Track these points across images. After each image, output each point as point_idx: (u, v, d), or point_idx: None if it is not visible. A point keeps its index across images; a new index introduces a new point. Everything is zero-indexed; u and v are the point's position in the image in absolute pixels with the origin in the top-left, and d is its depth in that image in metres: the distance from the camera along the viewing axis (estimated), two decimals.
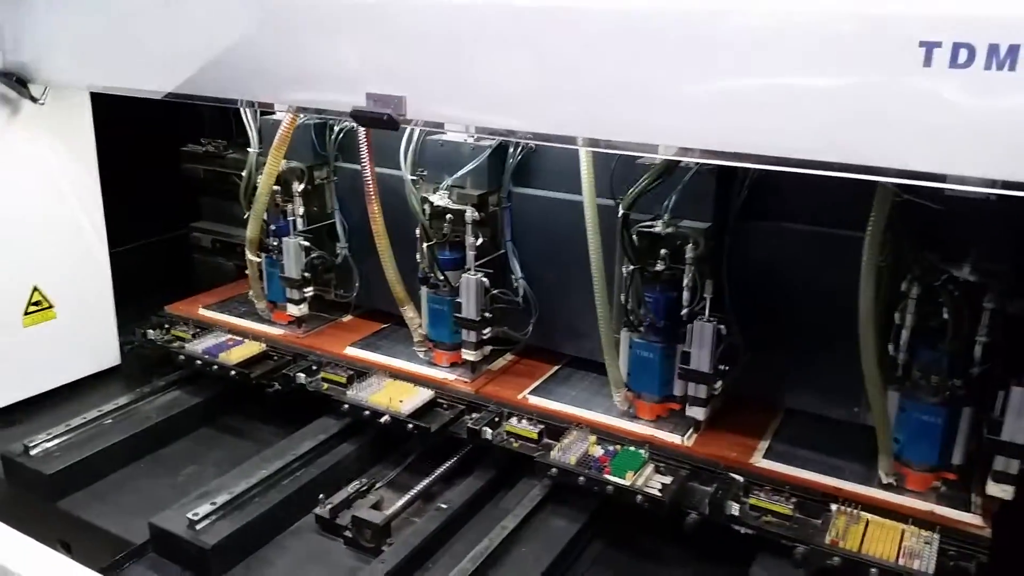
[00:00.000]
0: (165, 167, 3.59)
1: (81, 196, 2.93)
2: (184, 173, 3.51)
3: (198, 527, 2.11)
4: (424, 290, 2.61)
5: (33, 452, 2.47)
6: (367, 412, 2.45)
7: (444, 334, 2.59)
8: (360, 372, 2.64)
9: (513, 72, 1.78)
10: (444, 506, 2.23)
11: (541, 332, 2.63)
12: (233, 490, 2.22)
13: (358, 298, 3.00)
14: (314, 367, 2.69)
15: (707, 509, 2.00)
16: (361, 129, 2.50)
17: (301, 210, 2.83)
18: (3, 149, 2.67)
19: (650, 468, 2.13)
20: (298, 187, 2.80)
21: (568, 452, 2.19)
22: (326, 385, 2.60)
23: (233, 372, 2.69)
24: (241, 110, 2.77)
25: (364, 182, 2.55)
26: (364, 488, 2.33)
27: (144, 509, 2.24)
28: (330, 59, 2.02)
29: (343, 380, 2.59)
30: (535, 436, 2.30)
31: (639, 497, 2.02)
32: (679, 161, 2.02)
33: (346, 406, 2.48)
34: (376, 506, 2.26)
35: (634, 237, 2.17)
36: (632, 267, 2.19)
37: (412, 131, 2.44)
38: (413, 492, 2.29)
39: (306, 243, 2.80)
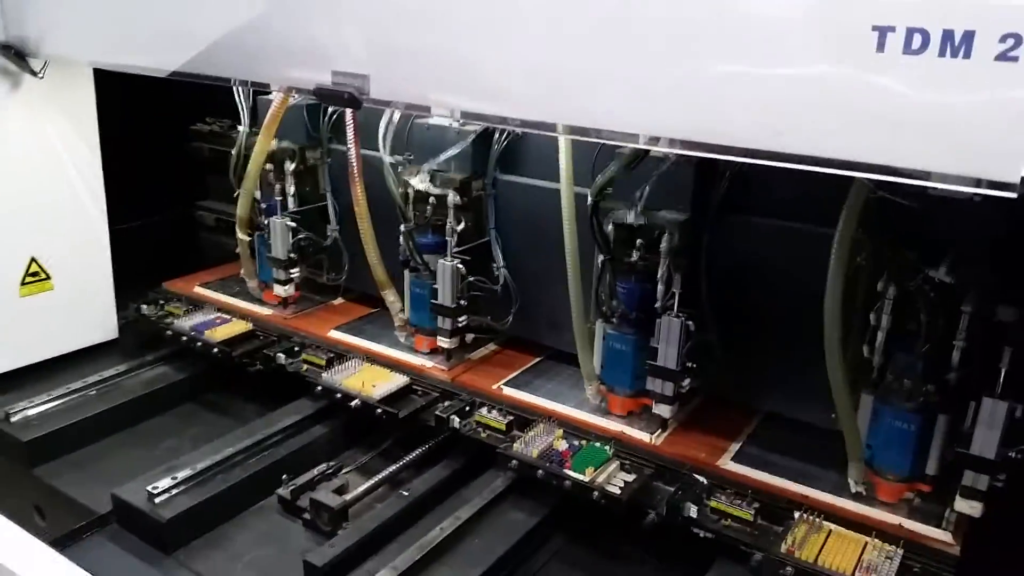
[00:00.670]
0: (175, 146, 3.62)
1: (82, 170, 2.95)
2: (191, 152, 3.52)
3: (157, 500, 2.11)
4: (407, 274, 2.58)
5: (14, 419, 2.51)
6: (339, 395, 2.43)
7: (425, 319, 2.56)
8: (340, 355, 2.62)
9: (480, 54, 1.73)
10: (405, 493, 2.19)
11: (524, 323, 2.58)
12: (196, 466, 2.22)
13: (351, 281, 2.98)
14: (296, 348, 2.69)
15: (664, 510, 1.93)
16: (348, 110, 2.48)
17: (292, 190, 2.82)
18: (2, 122, 2.71)
19: (614, 465, 2.07)
20: (290, 167, 2.79)
21: (531, 445, 2.14)
22: (305, 367, 2.60)
23: (216, 350, 2.70)
24: (233, 89, 2.77)
25: (348, 163, 2.53)
26: (330, 471, 2.31)
27: (116, 480, 2.24)
28: (301, 36, 1.99)
29: (322, 363, 2.58)
30: (503, 427, 2.25)
31: (595, 494, 1.96)
32: (646, 151, 1.94)
33: (319, 388, 2.47)
34: (340, 490, 2.23)
35: (606, 227, 2.11)
36: (603, 257, 2.12)
37: (392, 113, 2.40)
38: (377, 478, 2.26)
39: (293, 223, 2.79)
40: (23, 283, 2.86)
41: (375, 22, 1.85)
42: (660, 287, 2.10)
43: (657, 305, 2.11)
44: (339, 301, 3.03)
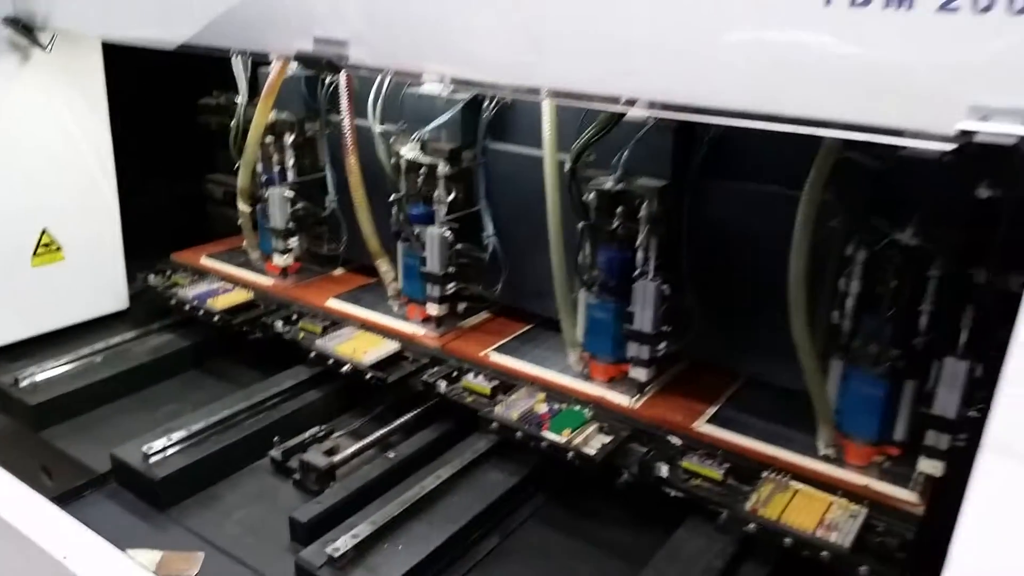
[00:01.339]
0: (185, 119, 3.70)
1: (92, 142, 3.03)
2: (200, 125, 3.60)
3: (151, 460, 2.20)
4: (399, 244, 2.63)
5: (22, 384, 2.61)
6: (331, 361, 2.49)
7: (417, 289, 2.60)
8: (336, 323, 2.69)
9: (458, 17, 1.75)
10: (391, 456, 2.25)
11: (513, 291, 2.62)
12: (191, 427, 2.30)
13: (351, 252, 3.03)
14: (295, 317, 2.76)
15: (636, 469, 1.97)
16: (342, 79, 2.52)
17: (291, 162, 2.88)
18: (12, 95, 2.79)
19: (592, 427, 2.11)
20: (289, 139, 2.85)
21: (512, 408, 2.18)
22: (302, 334, 2.66)
23: (216, 318, 2.77)
24: (232, 59, 2.83)
25: (342, 133, 2.58)
26: (321, 434, 2.38)
27: (118, 443, 2.33)
28: (288, 3, 2.04)
29: (318, 330, 2.65)
30: (488, 392, 2.30)
31: (570, 455, 2.00)
32: (621, 114, 1.96)
33: (313, 354, 2.53)
34: (329, 452, 2.30)
35: (588, 195, 2.13)
36: (582, 224, 2.15)
37: (382, 81, 2.44)
38: (365, 441, 2.32)
39: (291, 194, 2.85)
40: (35, 254, 2.95)
41: None
42: (640, 254, 2.13)
43: (636, 272, 2.13)
44: (339, 272, 3.09)
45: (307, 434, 2.37)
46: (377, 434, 2.36)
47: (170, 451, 2.23)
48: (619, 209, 2.14)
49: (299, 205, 2.89)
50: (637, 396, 2.19)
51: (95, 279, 3.13)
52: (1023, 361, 1.06)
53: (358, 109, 2.61)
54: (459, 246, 2.49)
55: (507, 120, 2.52)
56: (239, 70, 2.85)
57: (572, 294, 2.30)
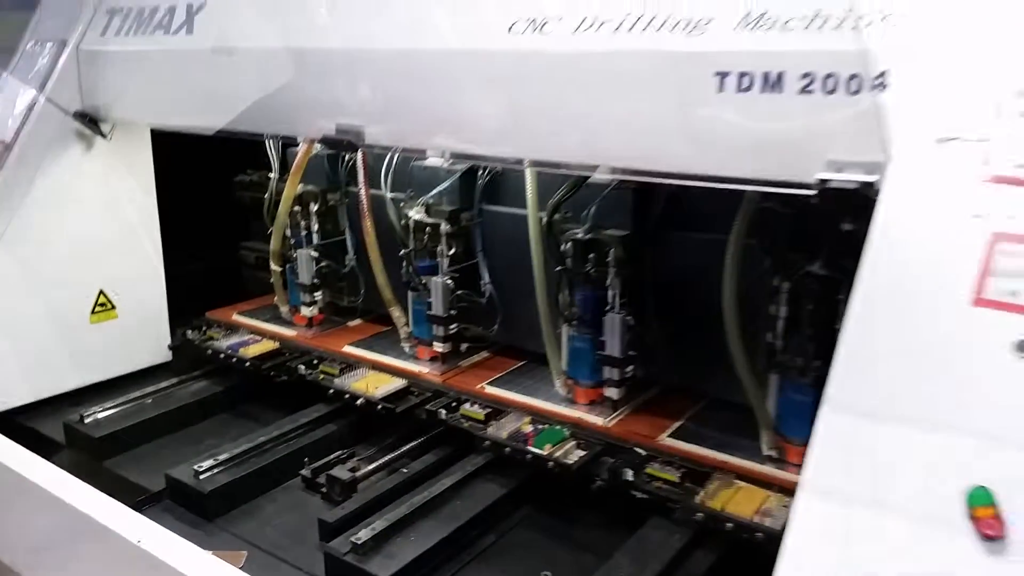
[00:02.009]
0: (222, 195, 4.16)
1: (142, 217, 3.47)
2: (235, 200, 4.06)
3: (201, 477, 2.58)
4: (410, 294, 3.04)
5: (87, 421, 3.01)
6: (347, 395, 2.88)
7: (425, 331, 3.01)
8: (351, 365, 3.08)
9: (454, 105, 2.20)
10: (405, 471, 2.62)
11: (509, 331, 3.01)
12: (234, 451, 2.69)
13: (368, 304, 3.43)
14: (315, 361, 3.15)
15: (606, 475, 2.32)
16: (359, 156, 2.98)
17: (316, 227, 3.33)
18: (78, 177, 3.25)
19: (571, 444, 2.46)
20: (314, 208, 3.30)
21: (502, 429, 2.56)
22: (321, 376, 3.05)
23: (247, 364, 3.18)
24: (265, 142, 3.30)
25: (359, 201, 3.03)
26: (344, 456, 2.75)
27: (169, 468, 2.71)
28: (312, 97, 2.49)
29: (336, 372, 3.04)
30: (482, 417, 2.66)
31: (551, 464, 2.37)
32: (586, 176, 2.39)
33: (331, 391, 2.93)
34: (352, 469, 2.67)
35: (565, 244, 2.55)
36: (559, 268, 2.56)
37: (392, 157, 2.90)
38: (380, 461, 2.69)
39: (316, 254, 3.29)
40: (93, 312, 3.38)
41: (365, 84, 2.35)
42: (609, 292, 2.52)
43: (608, 308, 2.53)
44: (357, 322, 3.50)
45: (332, 456, 2.74)
46: (390, 456, 2.73)
47: (216, 470, 2.61)
48: (591, 255, 2.54)
49: (323, 263, 3.33)
50: (611, 416, 2.56)
51: (143, 334, 3.52)
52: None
53: (372, 181, 3.07)
54: (460, 292, 2.90)
55: (498, 185, 2.95)
56: (271, 151, 3.32)
57: (557, 330, 2.70)
